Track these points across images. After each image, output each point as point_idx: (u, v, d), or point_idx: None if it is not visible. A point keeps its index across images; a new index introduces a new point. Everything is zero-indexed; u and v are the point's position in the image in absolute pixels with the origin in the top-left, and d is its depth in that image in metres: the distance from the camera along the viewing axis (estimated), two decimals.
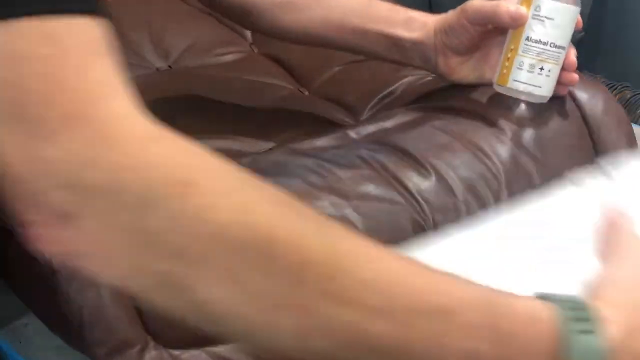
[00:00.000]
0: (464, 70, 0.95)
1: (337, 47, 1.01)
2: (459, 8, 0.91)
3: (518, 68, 0.89)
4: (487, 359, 0.44)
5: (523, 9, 0.88)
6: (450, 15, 0.92)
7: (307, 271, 0.42)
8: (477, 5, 0.89)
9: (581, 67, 0.94)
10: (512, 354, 0.44)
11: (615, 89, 1.81)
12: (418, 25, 0.94)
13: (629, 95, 1.81)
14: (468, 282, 0.46)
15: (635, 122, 1.71)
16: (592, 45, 1.95)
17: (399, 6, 0.97)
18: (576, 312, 0.45)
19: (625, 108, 1.02)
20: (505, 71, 0.90)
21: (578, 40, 1.92)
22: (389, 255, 0.45)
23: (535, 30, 0.88)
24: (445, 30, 0.92)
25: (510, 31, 0.90)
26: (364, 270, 0.43)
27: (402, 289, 0.44)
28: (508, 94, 0.91)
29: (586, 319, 0.45)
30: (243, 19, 1.06)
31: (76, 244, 0.41)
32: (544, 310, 0.45)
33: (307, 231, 0.43)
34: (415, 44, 0.94)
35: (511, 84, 0.90)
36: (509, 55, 0.89)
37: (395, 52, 0.96)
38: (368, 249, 0.45)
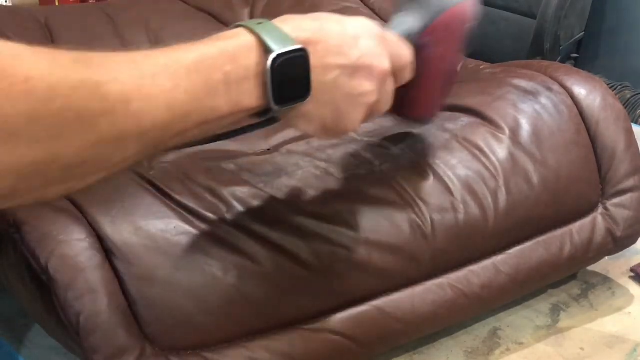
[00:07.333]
0: None
1: None
2: None
3: None
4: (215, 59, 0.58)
5: None
6: None
7: None
8: None
9: (581, 67, 0.94)
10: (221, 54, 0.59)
11: (615, 89, 1.81)
12: None
13: (629, 95, 1.81)
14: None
15: (635, 122, 1.71)
16: (592, 45, 1.95)
17: None
18: (261, 24, 0.62)
19: (625, 108, 1.01)
20: None
21: (578, 41, 1.93)
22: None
23: None
24: None
25: None
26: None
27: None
28: None
29: (268, 24, 0.62)
30: None
31: None
32: (239, 29, 0.62)
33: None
34: None
35: None
36: None
37: None
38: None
